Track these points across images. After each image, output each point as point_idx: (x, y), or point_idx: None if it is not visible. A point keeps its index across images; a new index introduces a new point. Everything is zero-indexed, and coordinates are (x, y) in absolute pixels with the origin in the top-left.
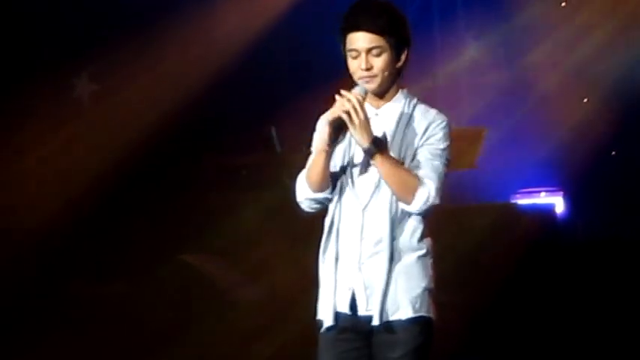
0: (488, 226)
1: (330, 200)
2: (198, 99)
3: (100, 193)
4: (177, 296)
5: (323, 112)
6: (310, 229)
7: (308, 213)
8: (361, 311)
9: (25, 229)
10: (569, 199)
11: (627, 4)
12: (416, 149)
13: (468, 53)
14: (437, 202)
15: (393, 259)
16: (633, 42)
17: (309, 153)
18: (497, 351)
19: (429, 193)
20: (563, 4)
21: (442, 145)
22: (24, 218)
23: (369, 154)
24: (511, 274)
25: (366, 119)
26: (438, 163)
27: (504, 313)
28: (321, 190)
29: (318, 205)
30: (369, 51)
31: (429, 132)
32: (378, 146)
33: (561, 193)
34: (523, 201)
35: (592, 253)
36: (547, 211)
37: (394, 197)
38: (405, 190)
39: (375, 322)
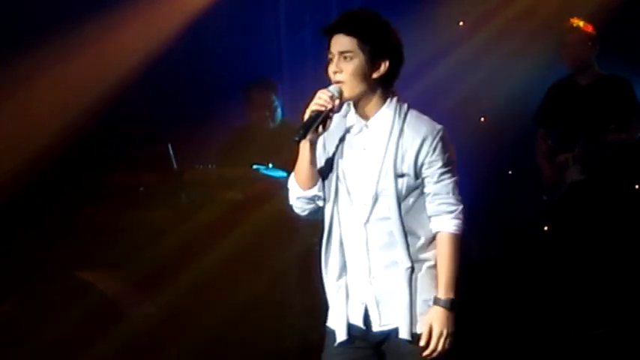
0: None
1: (320, 199)
2: (94, 114)
3: None
4: (71, 314)
5: (220, 130)
6: (207, 246)
7: (302, 218)
8: (375, 327)
9: None
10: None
11: (524, 26)
12: (417, 165)
13: None
14: (461, 206)
15: (413, 270)
16: (528, 64)
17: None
18: None
19: (456, 219)
20: (460, 23)
21: (444, 157)
22: None
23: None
24: None
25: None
26: (447, 181)
27: None
28: (310, 186)
29: (310, 206)
30: (340, 55)
31: (425, 148)
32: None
33: None
34: None
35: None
36: None
37: (399, 204)
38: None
39: (404, 335)
